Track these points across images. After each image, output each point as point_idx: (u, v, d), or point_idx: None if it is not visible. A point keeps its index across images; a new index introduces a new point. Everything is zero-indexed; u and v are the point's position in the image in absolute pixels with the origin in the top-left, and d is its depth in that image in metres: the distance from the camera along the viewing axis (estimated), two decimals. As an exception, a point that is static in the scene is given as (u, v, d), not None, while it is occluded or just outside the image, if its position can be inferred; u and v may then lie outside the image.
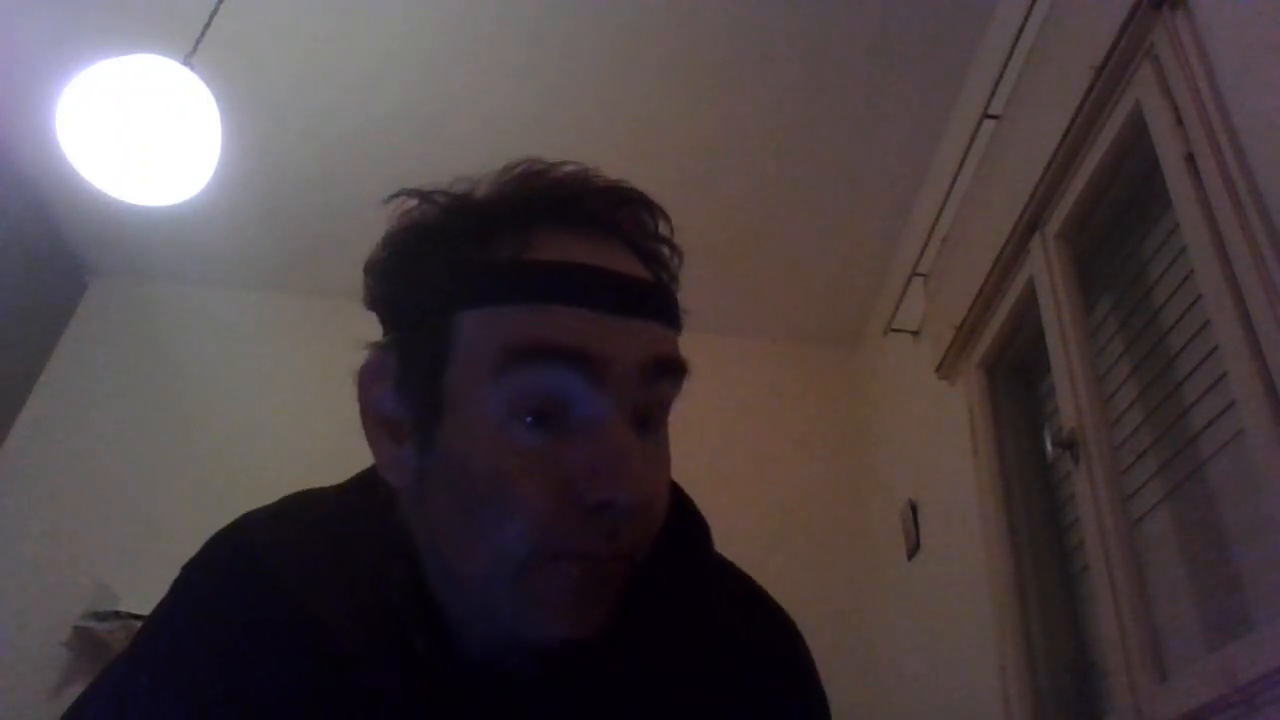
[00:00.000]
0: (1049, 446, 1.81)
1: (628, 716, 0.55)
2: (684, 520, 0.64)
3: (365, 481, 0.62)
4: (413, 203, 0.57)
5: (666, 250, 0.59)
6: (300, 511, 0.63)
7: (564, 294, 0.51)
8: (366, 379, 0.56)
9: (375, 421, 0.56)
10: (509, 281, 0.52)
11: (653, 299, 0.54)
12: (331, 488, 0.64)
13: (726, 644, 0.59)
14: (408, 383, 0.54)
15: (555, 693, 0.55)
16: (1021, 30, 1.78)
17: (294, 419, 2.65)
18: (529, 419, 0.50)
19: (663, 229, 0.60)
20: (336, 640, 0.55)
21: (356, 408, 0.56)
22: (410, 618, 0.55)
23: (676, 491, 0.64)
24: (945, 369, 2.12)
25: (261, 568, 0.59)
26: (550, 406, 0.50)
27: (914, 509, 2.31)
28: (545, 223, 0.54)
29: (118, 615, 2.31)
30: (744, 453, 2.84)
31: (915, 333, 2.42)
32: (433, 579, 0.56)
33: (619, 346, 0.51)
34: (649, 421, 0.54)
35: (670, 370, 0.54)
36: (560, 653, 0.51)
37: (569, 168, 0.58)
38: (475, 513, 0.50)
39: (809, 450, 2.88)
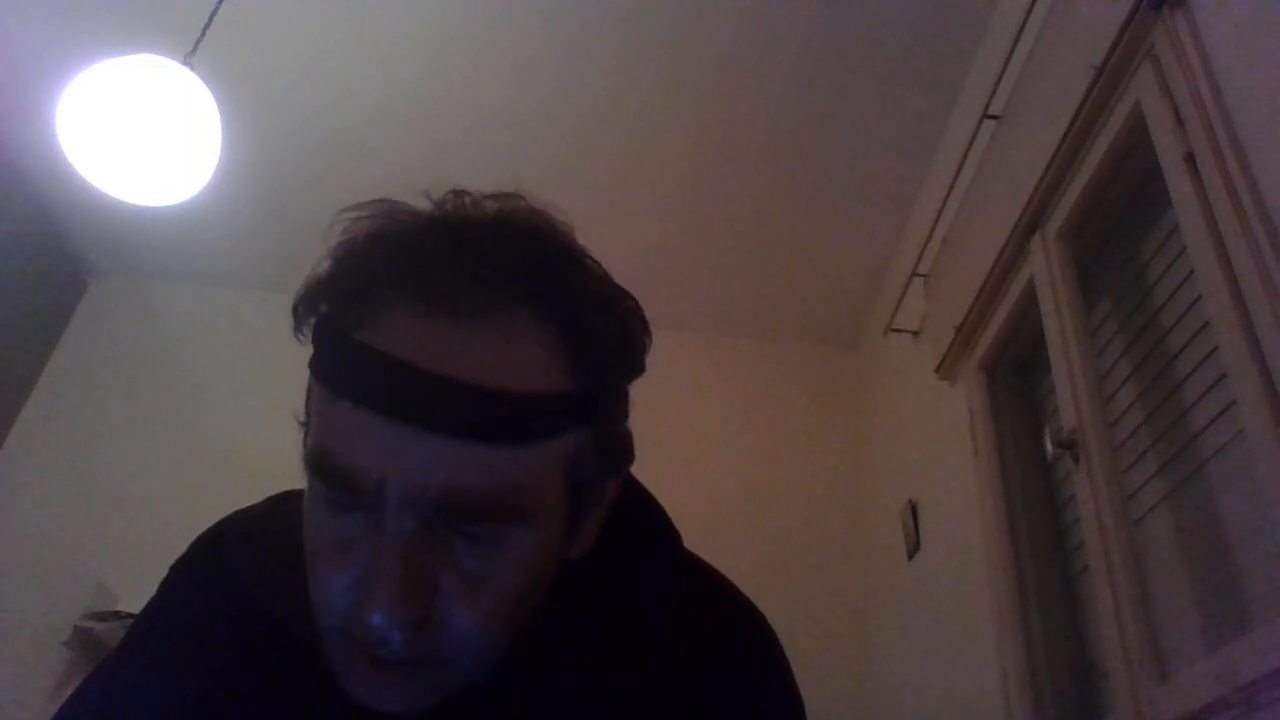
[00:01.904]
0: (1049, 446, 1.81)
1: (587, 717, 0.56)
2: (643, 523, 0.64)
3: None
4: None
5: (582, 318, 0.50)
6: (279, 512, 0.65)
7: (354, 390, 0.46)
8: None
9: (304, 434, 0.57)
10: (326, 361, 0.49)
11: (464, 413, 0.45)
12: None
13: (690, 645, 0.58)
14: (305, 413, 0.54)
15: (512, 694, 0.56)
16: (1021, 30, 1.78)
17: (294, 419, 2.64)
18: (339, 506, 0.49)
19: (588, 294, 0.51)
20: (308, 637, 0.56)
21: None
22: None
23: (637, 493, 0.65)
24: (945, 369, 2.12)
25: (240, 567, 0.61)
26: (349, 503, 0.48)
27: (914, 509, 2.31)
28: (403, 295, 0.48)
29: (118, 615, 2.31)
30: (744, 453, 2.84)
31: (915, 333, 2.42)
32: None
33: (396, 466, 0.45)
34: (469, 537, 0.48)
35: (466, 512, 0.46)
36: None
37: (477, 211, 0.51)
38: (307, 562, 0.52)
39: (809, 450, 2.87)
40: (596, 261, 0.54)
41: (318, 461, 0.48)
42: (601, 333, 0.51)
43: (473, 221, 0.51)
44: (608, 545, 0.60)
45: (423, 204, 0.53)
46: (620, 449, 0.55)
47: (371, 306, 0.48)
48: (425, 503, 0.46)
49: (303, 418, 0.53)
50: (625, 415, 0.55)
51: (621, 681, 0.56)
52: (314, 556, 0.51)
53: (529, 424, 0.47)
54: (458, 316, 0.46)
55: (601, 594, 0.59)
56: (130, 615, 2.29)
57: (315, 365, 0.50)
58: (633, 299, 0.55)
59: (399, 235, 0.50)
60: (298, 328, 0.52)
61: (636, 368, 0.55)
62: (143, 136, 1.64)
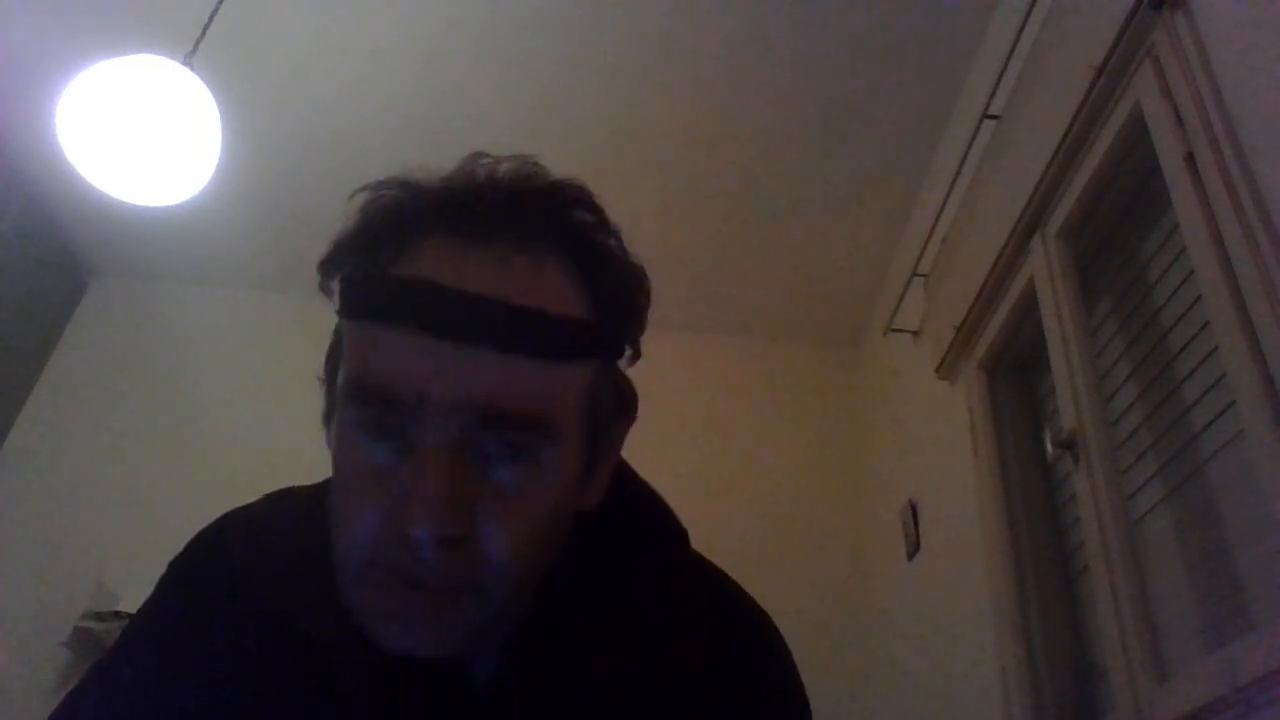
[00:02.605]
0: (1049, 446, 1.81)
1: (584, 714, 0.56)
2: (649, 520, 0.65)
3: None
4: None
5: (601, 263, 0.54)
6: (277, 509, 0.66)
7: (392, 314, 0.49)
8: (325, 357, 0.58)
9: (326, 394, 0.59)
10: (360, 296, 0.52)
11: (500, 327, 0.48)
12: (309, 485, 0.66)
13: (695, 644, 0.58)
14: (327, 370, 0.57)
15: (515, 692, 0.56)
16: (1021, 30, 1.78)
17: (294, 419, 2.64)
18: (375, 433, 0.50)
19: (602, 240, 0.56)
20: (307, 635, 0.57)
21: None
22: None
23: (644, 491, 0.66)
24: (945, 369, 2.12)
25: (238, 565, 0.61)
26: (385, 427, 0.50)
27: (914, 509, 2.31)
28: (434, 232, 0.51)
29: (118, 615, 2.31)
30: (744, 453, 2.84)
31: (915, 333, 2.42)
32: None
33: (436, 379, 0.48)
34: (504, 453, 0.50)
35: (501, 421, 0.49)
36: (432, 672, 0.52)
37: (499, 168, 0.56)
38: (335, 510, 0.53)
39: (809, 450, 2.87)
40: (603, 212, 0.58)
41: (359, 386, 0.50)
42: (617, 278, 0.55)
43: (497, 172, 0.56)
44: (614, 542, 0.60)
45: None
46: (628, 394, 0.59)
47: (408, 244, 0.51)
48: (470, 410, 0.48)
49: (322, 376, 0.56)
50: (629, 363, 0.59)
51: (626, 680, 0.56)
52: (346, 491, 0.52)
53: (563, 343, 0.50)
54: (491, 248, 0.50)
55: (607, 592, 0.59)
56: (130, 615, 2.29)
57: (352, 305, 0.52)
58: (639, 262, 0.59)
59: (429, 183, 0.55)
60: (324, 283, 0.55)
61: (641, 321, 0.58)
62: (143, 136, 1.64)
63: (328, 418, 0.57)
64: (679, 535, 0.66)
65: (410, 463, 0.49)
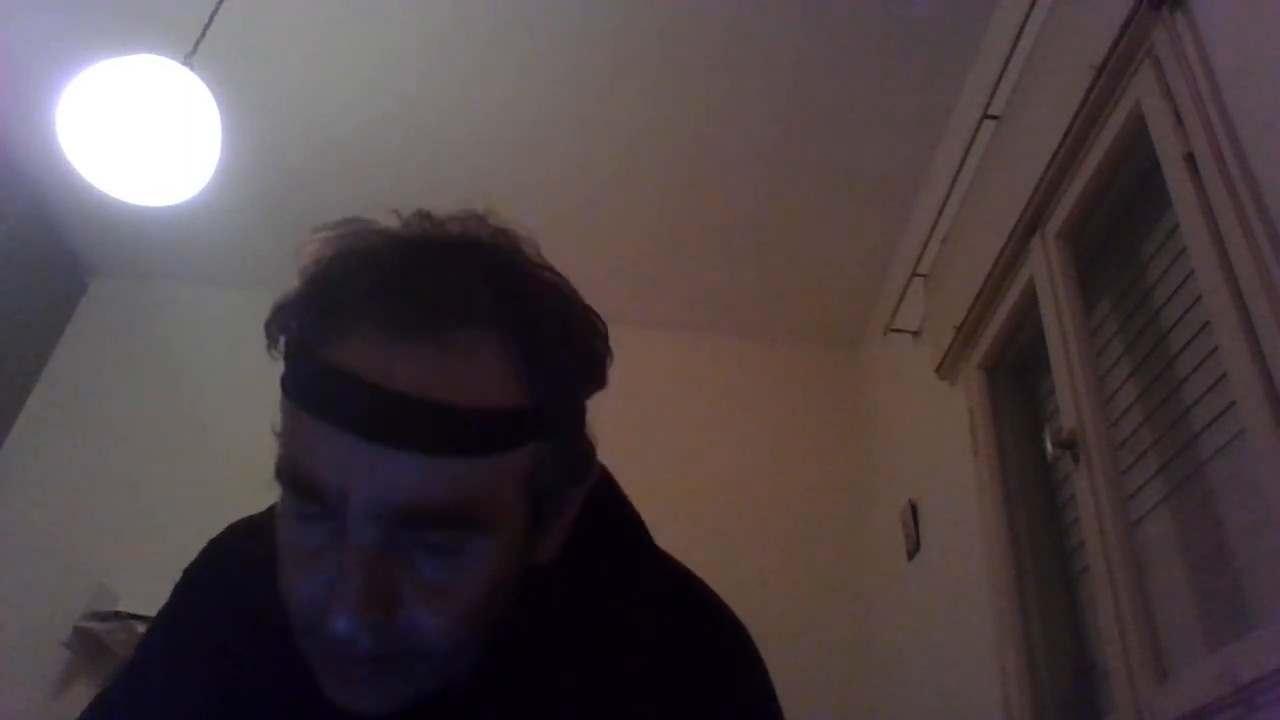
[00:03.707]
0: (1049, 447, 1.81)
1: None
2: (613, 526, 0.65)
3: None
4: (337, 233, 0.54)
5: (541, 338, 0.52)
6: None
7: (317, 407, 0.48)
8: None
9: None
10: (292, 379, 0.51)
11: (426, 428, 0.47)
12: None
13: (663, 650, 0.59)
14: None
15: (486, 701, 0.57)
16: (1021, 30, 1.78)
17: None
18: (307, 520, 0.50)
19: (543, 308, 0.53)
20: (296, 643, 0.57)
21: None
22: None
23: (608, 494, 0.66)
24: (945, 369, 2.12)
25: (240, 573, 0.62)
26: (315, 516, 0.50)
27: (914, 509, 2.31)
28: (365, 315, 0.49)
29: (118, 615, 2.31)
30: (744, 453, 2.84)
31: (915, 333, 2.42)
32: None
33: (358, 480, 0.47)
34: (430, 547, 0.50)
35: (426, 521, 0.48)
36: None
37: (441, 231, 0.53)
38: (278, 570, 0.53)
39: (809, 450, 2.87)
40: (560, 277, 0.55)
41: (285, 472, 0.50)
42: (561, 350, 0.53)
43: (436, 243, 0.53)
44: (578, 549, 0.60)
45: (391, 222, 0.54)
46: (580, 461, 0.57)
47: (339, 326, 0.49)
48: (387, 515, 0.48)
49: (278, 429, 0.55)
50: (584, 428, 0.58)
51: (601, 687, 0.56)
52: (284, 564, 0.53)
53: (487, 438, 0.49)
54: (421, 337, 0.48)
55: (573, 599, 0.60)
56: (130, 615, 2.30)
57: (285, 381, 0.52)
58: (594, 313, 0.57)
59: (365, 257, 0.52)
60: (271, 344, 0.54)
61: (596, 382, 0.57)
62: (143, 136, 1.64)
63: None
64: (642, 537, 0.66)
65: (339, 549, 0.49)
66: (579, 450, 0.57)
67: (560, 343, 0.53)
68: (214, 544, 0.68)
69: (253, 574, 0.61)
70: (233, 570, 0.64)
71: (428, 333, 0.48)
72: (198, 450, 2.68)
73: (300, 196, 2.60)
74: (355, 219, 0.54)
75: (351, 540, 0.48)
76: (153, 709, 0.60)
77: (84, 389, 2.80)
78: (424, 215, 0.54)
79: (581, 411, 0.57)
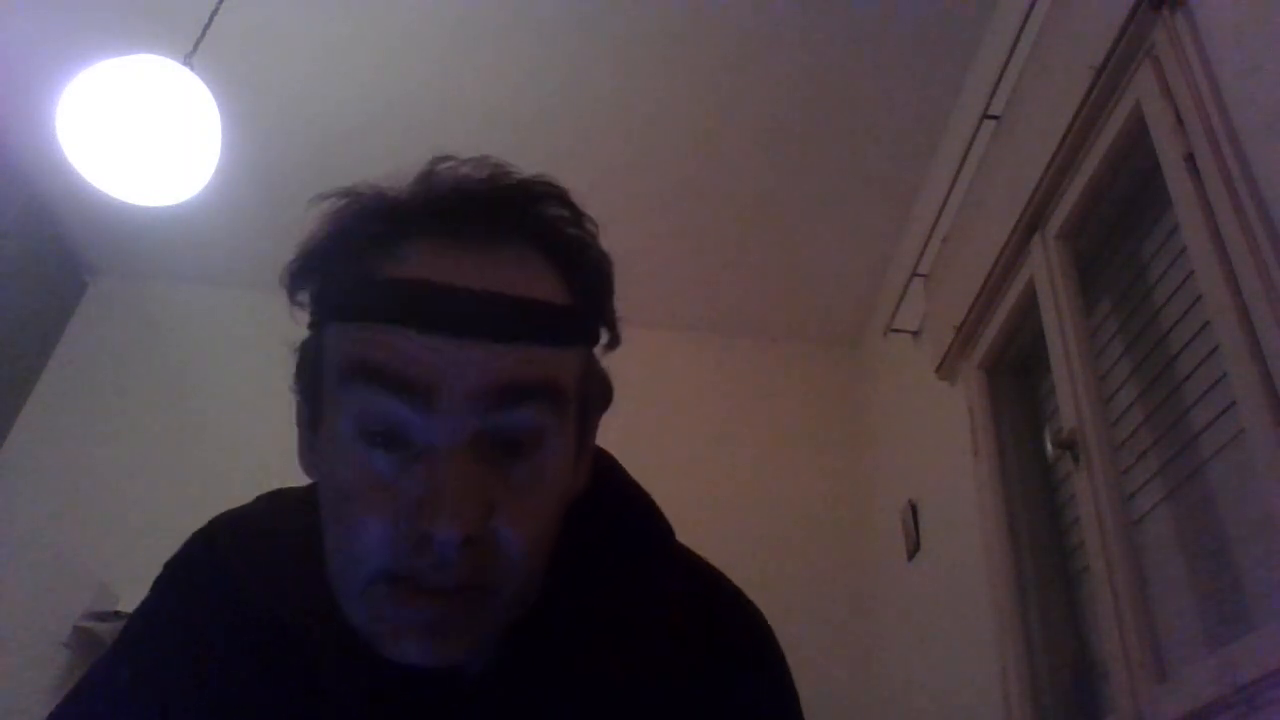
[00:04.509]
0: (1049, 447, 1.81)
1: (576, 713, 0.56)
2: (633, 517, 0.65)
3: None
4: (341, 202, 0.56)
5: (578, 253, 0.56)
6: (269, 510, 0.66)
7: (396, 314, 0.50)
8: (294, 368, 0.59)
9: (297, 408, 0.59)
10: (355, 299, 0.52)
11: (503, 318, 0.50)
12: (302, 486, 0.65)
13: (686, 642, 0.58)
14: (300, 381, 0.58)
15: (507, 693, 0.56)
16: (1021, 30, 1.78)
17: (293, 419, 2.65)
18: (378, 440, 0.50)
19: (576, 231, 0.56)
20: (297, 638, 0.56)
21: None
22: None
23: (629, 488, 0.66)
24: (945, 369, 2.12)
25: (229, 566, 0.61)
26: (391, 430, 0.50)
27: (914, 509, 2.31)
28: (420, 234, 0.52)
29: (118, 615, 2.31)
30: (744, 453, 2.84)
31: (915, 333, 2.42)
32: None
33: (449, 372, 0.48)
34: (513, 447, 0.51)
35: (517, 396, 0.50)
36: (422, 672, 0.52)
37: (465, 170, 0.57)
38: (331, 524, 0.52)
39: (809, 450, 2.87)
40: (574, 203, 0.58)
41: (362, 373, 0.50)
42: (592, 267, 0.57)
43: (466, 174, 0.56)
44: (603, 539, 0.60)
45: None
46: (605, 385, 0.60)
47: (393, 248, 0.52)
48: (484, 398, 0.49)
49: (294, 385, 0.57)
50: (610, 349, 0.61)
51: (617, 677, 0.56)
52: (346, 502, 0.51)
53: (557, 328, 0.53)
54: (478, 248, 0.52)
55: (596, 592, 0.59)
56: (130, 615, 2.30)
57: (347, 308, 0.52)
58: (607, 252, 0.60)
59: (403, 188, 0.55)
60: (293, 294, 0.55)
61: (613, 309, 0.60)
62: (143, 136, 1.64)
63: (307, 439, 0.57)
64: (665, 530, 0.66)
65: (419, 467, 0.49)
66: (603, 373, 0.60)
67: (591, 263, 0.57)
68: (196, 539, 0.66)
69: (241, 569, 0.61)
70: (218, 565, 0.62)
71: (483, 245, 0.52)
72: (198, 450, 2.68)
73: (301, 197, 2.56)
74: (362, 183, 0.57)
75: (442, 444, 0.48)
76: (130, 707, 0.59)
77: (84, 389, 2.80)
78: (441, 158, 0.58)
79: (610, 330, 0.60)
